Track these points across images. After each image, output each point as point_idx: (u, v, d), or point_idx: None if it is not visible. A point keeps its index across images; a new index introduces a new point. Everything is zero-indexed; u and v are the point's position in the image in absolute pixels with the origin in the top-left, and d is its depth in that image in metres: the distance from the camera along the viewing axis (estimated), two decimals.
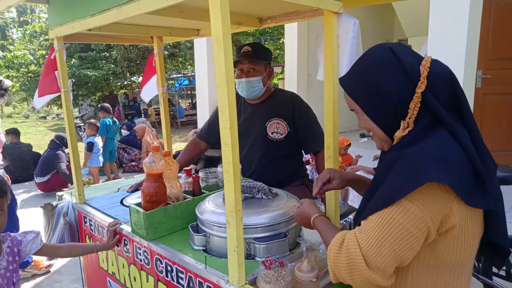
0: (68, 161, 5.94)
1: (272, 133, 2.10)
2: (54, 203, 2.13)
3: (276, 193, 1.59)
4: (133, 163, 7.36)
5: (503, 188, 2.50)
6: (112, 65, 9.80)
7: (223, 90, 1.10)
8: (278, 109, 2.12)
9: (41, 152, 6.81)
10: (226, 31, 1.07)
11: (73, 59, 9.13)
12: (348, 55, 1.45)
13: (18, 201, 5.22)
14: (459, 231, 0.89)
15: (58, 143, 6.06)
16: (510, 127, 5.21)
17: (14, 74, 10.05)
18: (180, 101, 21.48)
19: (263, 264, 1.23)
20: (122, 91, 12.71)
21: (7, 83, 3.31)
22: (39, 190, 6.18)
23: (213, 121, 2.35)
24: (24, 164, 6.68)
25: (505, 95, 5.08)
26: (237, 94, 2.25)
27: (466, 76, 3.64)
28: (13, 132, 6.86)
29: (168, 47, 10.59)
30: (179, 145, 10.30)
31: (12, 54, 9.60)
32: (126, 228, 1.71)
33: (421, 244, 0.87)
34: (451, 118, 0.92)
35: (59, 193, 2.28)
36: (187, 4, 1.34)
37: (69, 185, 6.02)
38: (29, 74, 10.51)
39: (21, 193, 6.24)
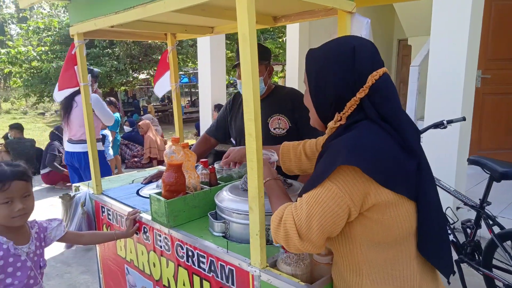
0: (60, 152, 6.01)
1: (274, 129, 2.17)
2: (72, 194, 2.20)
3: (291, 183, 1.67)
4: (135, 159, 7.42)
5: (505, 184, 2.59)
6: (115, 62, 9.85)
7: (248, 85, 1.18)
8: (279, 105, 2.19)
9: (42, 147, 6.87)
10: (252, 29, 1.15)
11: None
12: None
13: None
14: (386, 209, 0.97)
15: (57, 134, 6.12)
16: (509, 126, 5.32)
17: (17, 69, 10.09)
18: None
19: (282, 247, 1.31)
20: (123, 88, 12.75)
21: (96, 70, 3.76)
22: (42, 184, 6.25)
23: (221, 118, 2.43)
24: (28, 159, 6.71)
25: (504, 95, 5.19)
26: (238, 93, 2.32)
27: (466, 76, 3.72)
28: (17, 127, 6.92)
29: None
30: None
31: (16, 50, 9.65)
32: (146, 217, 1.79)
33: (344, 220, 0.98)
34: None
35: (75, 184, 2.35)
36: (210, 3, 1.41)
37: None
38: (31, 70, 10.55)
39: None
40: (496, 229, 2.54)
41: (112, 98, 6.24)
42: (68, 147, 3.80)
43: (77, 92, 3.79)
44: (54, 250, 3.80)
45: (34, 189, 6.11)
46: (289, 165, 1.59)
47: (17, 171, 1.50)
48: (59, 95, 2.05)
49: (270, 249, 1.41)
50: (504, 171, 2.35)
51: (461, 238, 2.75)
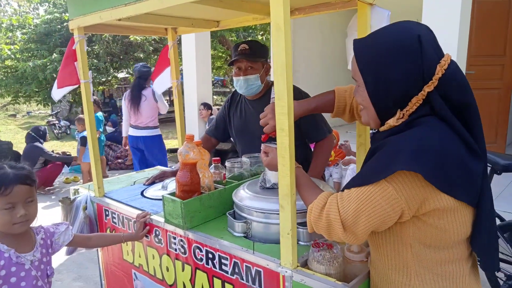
0: (48, 151, 5.87)
1: None
2: (72, 197, 2.09)
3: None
4: (119, 160, 7.22)
5: (505, 176, 2.64)
6: (95, 60, 9.55)
7: (281, 77, 1.13)
8: None
9: (18, 150, 6.61)
10: (287, 18, 1.10)
11: (54, 54, 8.84)
12: None
13: None
14: (443, 214, 0.93)
15: (34, 136, 5.89)
16: (492, 121, 5.47)
17: None
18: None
19: (313, 246, 1.27)
20: (101, 87, 12.40)
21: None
22: None
23: (220, 117, 2.38)
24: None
25: (487, 90, 5.33)
26: (236, 92, 2.27)
27: None
28: None
29: (153, 42, 10.42)
30: None
31: None
32: (157, 219, 1.71)
33: (394, 220, 0.95)
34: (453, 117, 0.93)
35: (74, 187, 2.23)
36: None
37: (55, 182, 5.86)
38: (5, 70, 10.10)
39: None
40: (497, 221, 2.58)
41: (95, 97, 6.05)
42: (133, 132, 4.69)
43: (143, 86, 4.58)
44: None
45: None
46: (342, 115, 1.43)
47: (21, 174, 1.40)
48: (58, 93, 1.93)
49: (298, 249, 1.37)
50: (506, 163, 2.39)
51: None
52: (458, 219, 0.95)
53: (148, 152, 4.71)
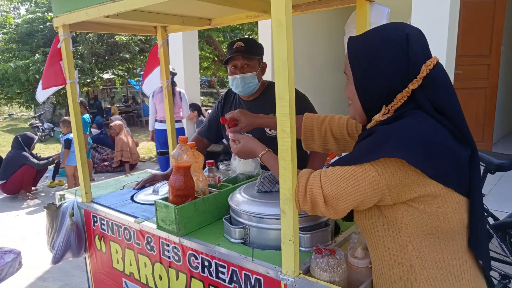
0: (32, 159, 5.70)
1: (270, 129, 2.06)
2: (58, 203, 1.99)
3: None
4: (105, 163, 7.06)
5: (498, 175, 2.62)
6: (79, 61, 9.32)
7: (283, 75, 1.07)
8: (273, 104, 2.09)
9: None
10: (288, 14, 1.04)
11: (37, 55, 8.60)
12: None
13: None
14: (433, 201, 0.94)
15: (20, 142, 5.72)
16: (478, 120, 5.53)
17: None
18: (144, 99, 20.88)
19: (316, 252, 1.22)
20: (85, 88, 12.16)
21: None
22: (3, 195, 5.80)
23: (213, 118, 2.30)
24: None
25: (473, 89, 5.39)
26: (230, 91, 2.21)
27: (447, 72, 3.80)
28: None
29: (139, 42, 10.24)
30: (145, 144, 10.01)
31: None
32: (149, 225, 1.64)
33: (373, 202, 0.97)
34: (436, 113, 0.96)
35: (60, 193, 2.14)
36: None
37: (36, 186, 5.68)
38: None
39: None
40: (491, 221, 2.58)
41: (81, 99, 5.90)
42: (158, 125, 5.07)
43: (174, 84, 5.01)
44: (27, 266, 3.50)
45: None
46: (311, 144, 1.46)
47: None
48: (43, 94, 1.83)
49: (300, 255, 1.31)
50: (500, 162, 2.39)
51: None
52: (450, 206, 0.95)
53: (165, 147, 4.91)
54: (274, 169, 1.23)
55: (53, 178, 6.22)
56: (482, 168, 2.57)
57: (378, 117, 1.01)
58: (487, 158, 2.47)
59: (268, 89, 2.15)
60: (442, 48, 3.75)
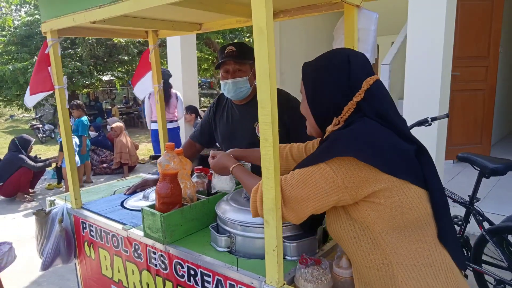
0: (30, 161, 5.68)
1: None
2: (47, 209, 1.98)
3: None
4: (104, 165, 7.06)
5: (493, 179, 2.60)
6: (78, 63, 9.32)
7: (264, 83, 1.06)
8: None
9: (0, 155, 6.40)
10: (269, 21, 1.03)
11: (35, 57, 8.61)
12: (371, 48, 1.46)
13: None
14: (391, 194, 1.00)
15: (17, 144, 5.72)
16: (476, 122, 5.50)
17: None
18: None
19: (300, 262, 1.20)
20: (85, 90, 12.17)
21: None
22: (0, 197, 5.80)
23: (205, 122, 2.29)
24: None
25: (471, 91, 5.36)
26: (222, 95, 2.19)
27: (443, 75, 3.78)
28: None
29: (137, 44, 10.24)
30: (146, 146, 10.01)
31: None
32: (136, 232, 1.62)
33: (332, 200, 1.02)
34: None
35: (50, 198, 2.12)
36: None
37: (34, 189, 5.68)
38: None
39: None
40: (486, 225, 2.56)
41: (79, 101, 5.89)
42: (154, 126, 5.14)
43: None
44: (22, 270, 3.49)
45: None
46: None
47: None
48: (31, 100, 1.82)
49: (285, 264, 1.30)
50: (494, 167, 2.37)
51: None
52: (410, 197, 1.01)
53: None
54: (243, 182, 1.31)
55: (59, 182, 6.22)
56: (477, 173, 2.55)
57: (330, 128, 1.12)
58: (482, 162, 2.45)
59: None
60: (438, 49, 3.74)
